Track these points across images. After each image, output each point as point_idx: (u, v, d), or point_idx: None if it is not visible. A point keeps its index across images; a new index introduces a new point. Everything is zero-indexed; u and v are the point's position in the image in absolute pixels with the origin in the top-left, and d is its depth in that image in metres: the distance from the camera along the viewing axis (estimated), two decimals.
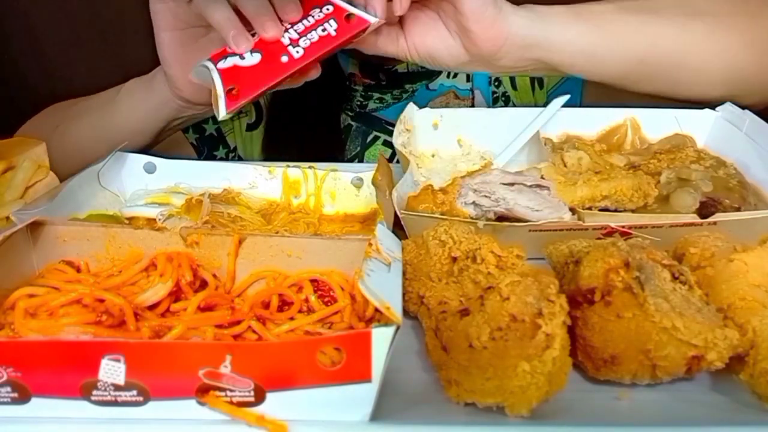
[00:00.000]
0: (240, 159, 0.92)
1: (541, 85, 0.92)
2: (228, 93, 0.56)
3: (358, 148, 0.92)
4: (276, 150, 0.91)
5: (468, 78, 0.91)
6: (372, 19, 0.58)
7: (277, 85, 0.59)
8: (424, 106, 0.74)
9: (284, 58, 0.57)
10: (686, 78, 0.70)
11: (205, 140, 0.89)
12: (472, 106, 0.91)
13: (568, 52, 0.66)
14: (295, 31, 0.58)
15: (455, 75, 0.90)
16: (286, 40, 0.58)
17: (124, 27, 0.97)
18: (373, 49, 0.65)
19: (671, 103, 0.72)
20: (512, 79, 0.91)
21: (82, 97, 0.80)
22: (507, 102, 0.92)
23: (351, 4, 0.59)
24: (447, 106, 0.90)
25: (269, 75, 0.57)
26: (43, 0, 0.95)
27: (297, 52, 0.57)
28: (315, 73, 0.63)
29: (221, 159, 0.89)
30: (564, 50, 0.66)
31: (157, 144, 0.75)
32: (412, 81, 0.90)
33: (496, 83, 0.92)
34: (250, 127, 0.94)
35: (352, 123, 0.92)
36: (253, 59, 0.57)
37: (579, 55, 0.66)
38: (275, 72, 0.57)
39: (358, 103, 0.92)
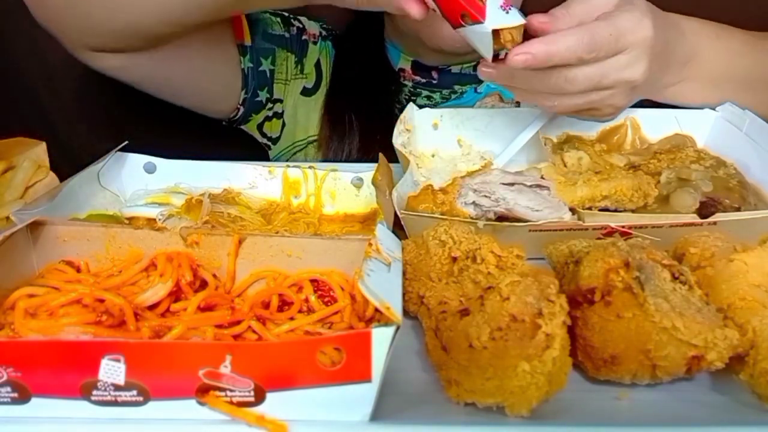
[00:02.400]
0: (278, 116, 0.90)
1: None
2: None
3: None
4: (334, 122, 0.89)
5: None
6: (486, 23, 0.52)
7: None
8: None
9: None
10: None
11: (258, 75, 0.86)
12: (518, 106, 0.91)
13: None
14: None
15: None
16: None
17: None
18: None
19: None
20: None
21: None
22: None
23: None
24: (493, 107, 0.90)
25: None
26: None
27: None
28: (416, 11, 0.56)
29: (261, 102, 0.88)
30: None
31: (219, 18, 0.71)
32: (463, 83, 0.90)
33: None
34: (307, 92, 0.92)
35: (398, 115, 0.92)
36: None
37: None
38: None
39: (406, 98, 0.92)
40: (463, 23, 0.53)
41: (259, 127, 0.91)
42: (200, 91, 0.83)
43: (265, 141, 0.93)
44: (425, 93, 0.92)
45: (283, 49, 0.91)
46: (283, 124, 0.91)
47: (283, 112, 0.91)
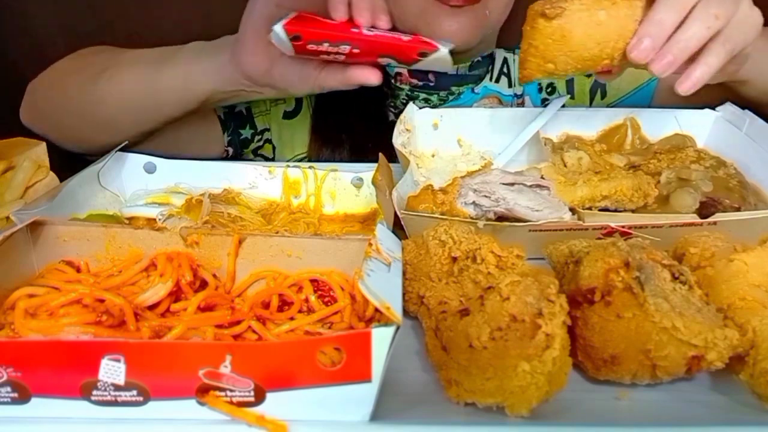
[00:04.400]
0: (269, 141, 0.91)
1: (603, 95, 0.91)
2: (291, 22, 0.58)
3: None
4: (323, 140, 0.89)
5: (510, 84, 0.91)
6: (442, 48, 0.61)
7: (335, 57, 0.61)
8: None
9: (354, 30, 0.60)
10: None
11: (234, 116, 0.88)
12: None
13: (759, 89, 0.70)
14: (375, 30, 0.61)
15: (498, 80, 0.90)
16: (365, 30, 0.60)
17: (125, 27, 0.97)
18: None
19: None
20: (569, 84, 0.91)
21: (133, 49, 0.79)
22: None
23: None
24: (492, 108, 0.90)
25: (334, 30, 0.59)
26: (43, 0, 0.94)
27: (368, 31, 0.60)
28: (375, 78, 0.64)
29: (247, 138, 0.88)
30: (759, 87, 0.70)
31: (186, 115, 0.75)
32: (460, 84, 0.90)
33: (549, 89, 0.91)
34: (288, 115, 0.92)
35: (396, 120, 0.92)
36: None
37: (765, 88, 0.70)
38: (341, 31, 0.59)
39: (403, 101, 0.92)
40: (420, 58, 0.61)
41: (254, 152, 0.92)
42: (186, 149, 0.84)
43: (264, 161, 0.94)
44: (423, 96, 0.92)
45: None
46: (274, 147, 0.92)
47: (271, 138, 0.92)
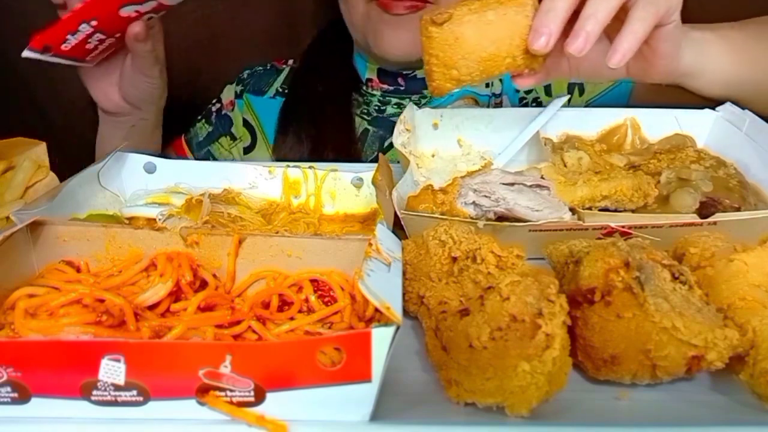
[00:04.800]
0: None
1: (581, 92, 0.91)
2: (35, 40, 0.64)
3: (375, 153, 0.92)
4: (290, 152, 0.91)
5: (487, 84, 0.91)
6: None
7: (108, 41, 0.68)
8: None
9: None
10: None
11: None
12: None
13: (714, 81, 0.68)
14: None
15: None
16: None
17: None
18: (544, 79, 0.63)
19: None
20: (546, 86, 0.91)
21: None
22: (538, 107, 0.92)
23: None
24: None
25: (69, 19, 0.63)
26: (43, 0, 0.94)
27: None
28: (137, 27, 0.67)
29: None
30: (713, 80, 0.68)
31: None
32: (425, 78, 0.90)
33: (526, 89, 0.91)
34: (247, 150, 0.98)
35: (369, 128, 0.92)
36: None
37: (720, 82, 0.69)
38: (75, 16, 0.63)
39: (376, 107, 0.92)
40: None
41: None
42: None
43: None
44: (395, 101, 0.92)
45: (215, 140, 0.99)
46: None
47: None
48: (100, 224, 0.54)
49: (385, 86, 0.92)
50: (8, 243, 0.49)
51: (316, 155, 0.87)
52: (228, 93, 1.01)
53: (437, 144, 0.74)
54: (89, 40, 0.65)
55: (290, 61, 1.02)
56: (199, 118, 1.01)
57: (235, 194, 0.66)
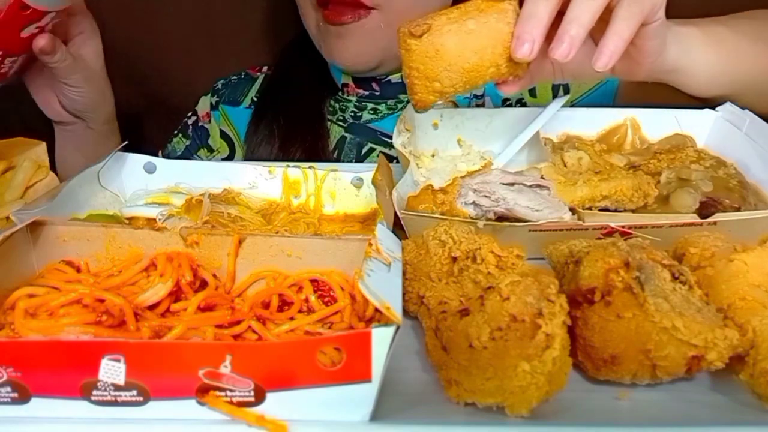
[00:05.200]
0: None
1: (566, 92, 0.90)
2: None
3: (353, 161, 0.91)
4: (258, 148, 0.90)
5: None
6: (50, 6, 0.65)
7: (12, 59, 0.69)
8: None
9: None
10: None
11: None
12: None
13: (699, 76, 0.67)
14: None
15: None
16: None
17: (125, 26, 0.97)
18: (529, 83, 0.62)
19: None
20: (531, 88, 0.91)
21: None
22: (523, 107, 0.91)
23: None
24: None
25: None
26: None
27: None
28: (42, 41, 0.67)
29: None
30: (698, 75, 0.67)
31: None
32: (407, 91, 0.90)
33: None
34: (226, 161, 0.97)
35: (346, 135, 0.91)
36: None
37: (705, 78, 0.68)
38: None
39: (352, 113, 0.91)
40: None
41: None
42: None
43: None
44: (371, 106, 0.91)
45: (194, 152, 0.98)
46: None
47: None
48: (100, 224, 0.54)
49: (361, 91, 0.91)
50: (8, 243, 0.49)
51: (285, 154, 0.86)
52: (203, 105, 1.00)
53: (437, 144, 0.74)
54: (1, 65, 0.67)
55: (264, 68, 1.00)
56: (176, 132, 1.00)
57: (235, 194, 0.66)
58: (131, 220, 0.62)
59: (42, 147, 0.65)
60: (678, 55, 0.64)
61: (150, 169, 0.67)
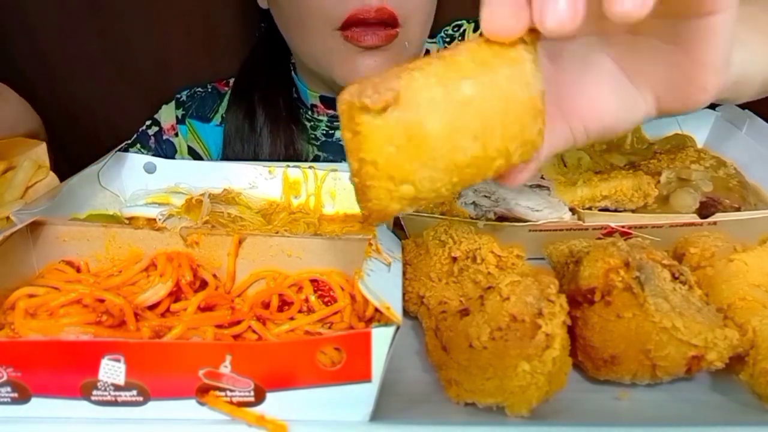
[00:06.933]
0: None
1: None
2: None
3: None
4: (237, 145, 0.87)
5: None
6: None
7: None
8: None
9: None
10: None
11: None
12: None
13: (754, 83, 0.51)
14: None
15: None
16: None
17: (125, 26, 0.97)
18: (539, 165, 0.42)
19: None
20: None
21: None
22: None
23: None
24: None
25: None
26: (43, 0, 0.95)
27: None
28: None
29: None
30: (754, 80, 0.51)
31: None
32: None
33: None
34: None
35: (320, 153, 0.90)
36: None
37: (763, 78, 0.52)
38: None
39: (324, 132, 0.89)
40: None
41: None
42: None
43: None
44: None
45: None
46: None
47: None
48: (100, 224, 0.54)
49: (331, 111, 0.89)
50: (8, 243, 0.49)
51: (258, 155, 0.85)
52: (167, 116, 0.94)
53: None
54: None
55: (231, 81, 0.96)
56: (130, 143, 0.93)
57: (235, 194, 0.66)
58: (131, 220, 0.62)
59: (42, 147, 0.65)
60: (740, 58, 0.47)
61: (150, 169, 0.67)
